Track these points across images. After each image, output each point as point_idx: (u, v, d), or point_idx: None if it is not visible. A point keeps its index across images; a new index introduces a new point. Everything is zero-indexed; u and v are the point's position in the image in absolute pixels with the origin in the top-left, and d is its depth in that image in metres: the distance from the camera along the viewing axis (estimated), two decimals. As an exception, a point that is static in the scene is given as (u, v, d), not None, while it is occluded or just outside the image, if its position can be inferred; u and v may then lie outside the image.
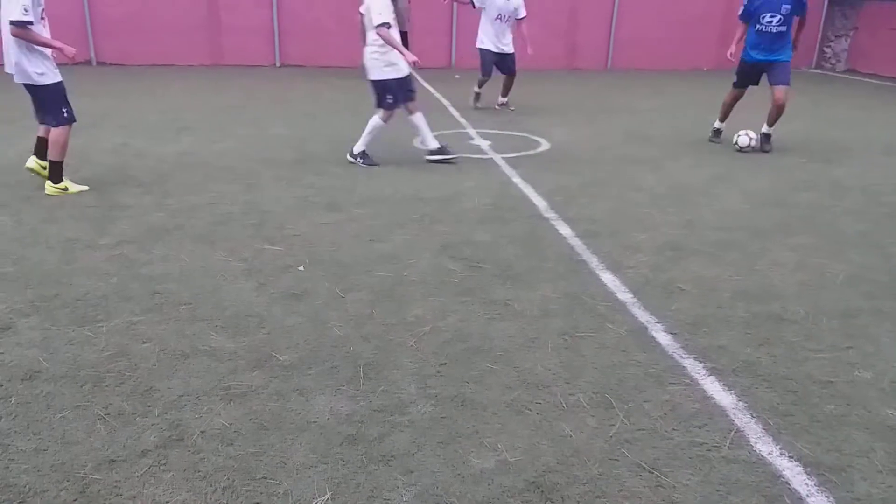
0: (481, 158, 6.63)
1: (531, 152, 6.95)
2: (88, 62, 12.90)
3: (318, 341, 3.07)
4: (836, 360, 2.99)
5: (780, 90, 6.72)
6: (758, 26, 6.65)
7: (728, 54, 6.88)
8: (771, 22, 6.56)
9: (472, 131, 7.93)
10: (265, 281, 3.69)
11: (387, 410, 2.57)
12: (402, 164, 6.30)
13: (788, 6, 6.49)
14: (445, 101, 9.95)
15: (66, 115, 5.02)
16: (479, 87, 9.26)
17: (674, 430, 2.49)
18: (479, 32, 8.88)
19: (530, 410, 2.59)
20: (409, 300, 3.51)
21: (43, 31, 4.80)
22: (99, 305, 3.35)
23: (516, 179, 5.87)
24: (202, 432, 2.42)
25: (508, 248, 4.28)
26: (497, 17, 8.67)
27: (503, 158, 6.62)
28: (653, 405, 2.64)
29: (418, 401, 2.63)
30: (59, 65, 5.01)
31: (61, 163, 5.11)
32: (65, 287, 3.55)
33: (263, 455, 2.31)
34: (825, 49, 15.86)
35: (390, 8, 5.74)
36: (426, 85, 11.60)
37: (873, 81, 12.96)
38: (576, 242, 4.39)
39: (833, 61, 15.77)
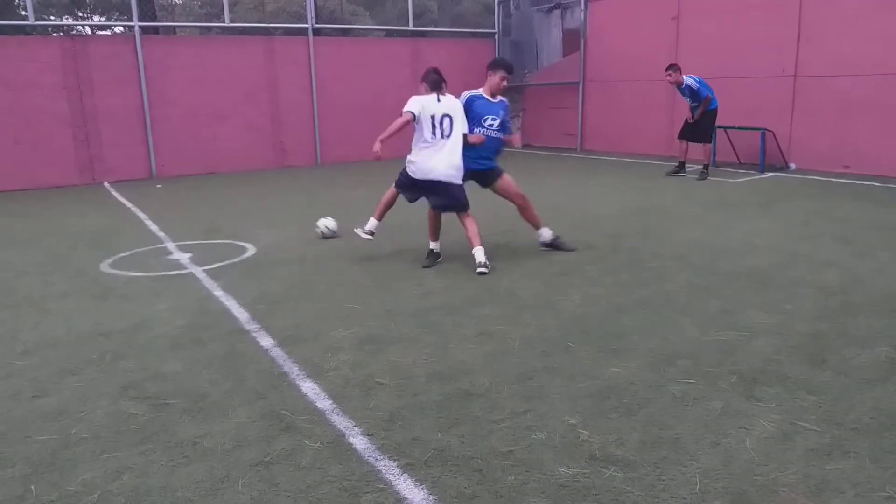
0: (180, 274, 6.22)
1: (235, 260, 6.69)
2: None
3: (-59, 551, 2.47)
4: (515, 427, 3.20)
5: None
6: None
7: None
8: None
9: (170, 245, 7.44)
10: None
11: None
12: (84, 293, 5.63)
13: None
14: (142, 215, 9.29)
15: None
16: None
17: (367, 546, 2.40)
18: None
19: (213, 569, 2.32)
20: (76, 465, 3.02)
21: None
22: None
23: (217, 292, 5.57)
24: None
25: (203, 374, 3.97)
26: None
27: (204, 271, 6.27)
28: (346, 524, 2.54)
29: None
30: None
31: None
32: None
33: None
34: (504, 127, 18.13)
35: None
36: (121, 198, 10.76)
37: (543, 153, 15.06)
38: (277, 353, 4.24)
39: (512, 138, 18.07)
